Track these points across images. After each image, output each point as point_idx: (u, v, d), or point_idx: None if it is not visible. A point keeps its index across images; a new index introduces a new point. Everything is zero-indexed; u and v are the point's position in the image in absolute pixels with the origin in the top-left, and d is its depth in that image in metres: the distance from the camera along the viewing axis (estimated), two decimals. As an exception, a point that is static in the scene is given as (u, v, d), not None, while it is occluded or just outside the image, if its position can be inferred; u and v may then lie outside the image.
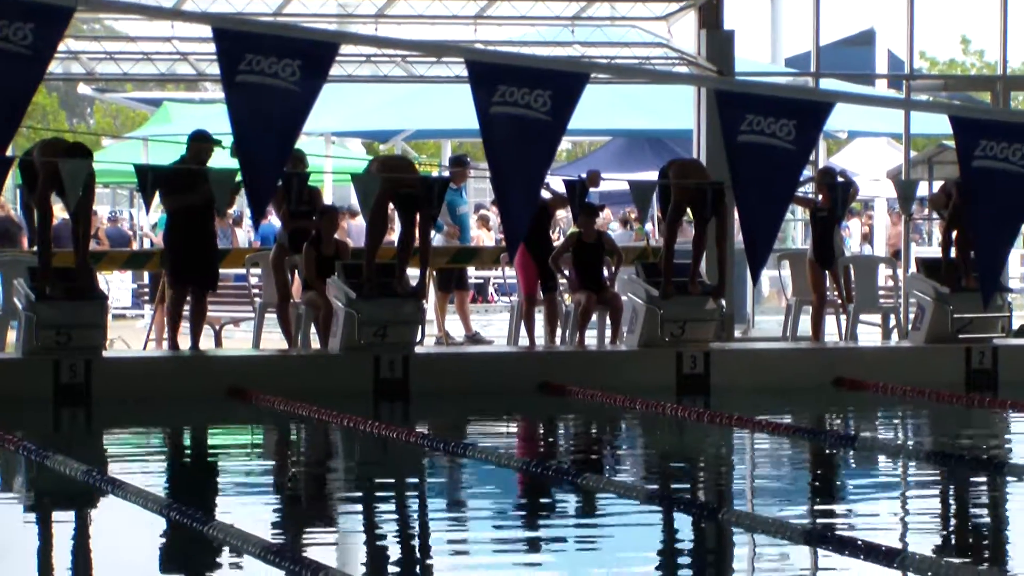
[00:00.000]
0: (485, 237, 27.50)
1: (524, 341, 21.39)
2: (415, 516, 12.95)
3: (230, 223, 28.14)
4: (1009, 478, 13.94)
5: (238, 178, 17.86)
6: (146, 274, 25.76)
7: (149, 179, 19.48)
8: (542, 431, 17.66)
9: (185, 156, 19.53)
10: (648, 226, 25.87)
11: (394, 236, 20.54)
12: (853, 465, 15.01)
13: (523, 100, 7.69)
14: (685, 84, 24.62)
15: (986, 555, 11.16)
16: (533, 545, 11.61)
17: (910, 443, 16.73)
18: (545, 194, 20.61)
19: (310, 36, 8.36)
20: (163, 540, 11.34)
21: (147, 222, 31.55)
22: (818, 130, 8.16)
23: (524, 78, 7.72)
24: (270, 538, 11.21)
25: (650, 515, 12.50)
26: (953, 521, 12.56)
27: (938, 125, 27.82)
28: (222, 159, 19.08)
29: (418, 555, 11.39)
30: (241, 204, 24.20)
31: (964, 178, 8.24)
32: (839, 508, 13.06)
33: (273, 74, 7.55)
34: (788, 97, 7.99)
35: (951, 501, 13.33)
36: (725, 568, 11.06)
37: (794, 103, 7.92)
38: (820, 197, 21.94)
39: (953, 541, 11.62)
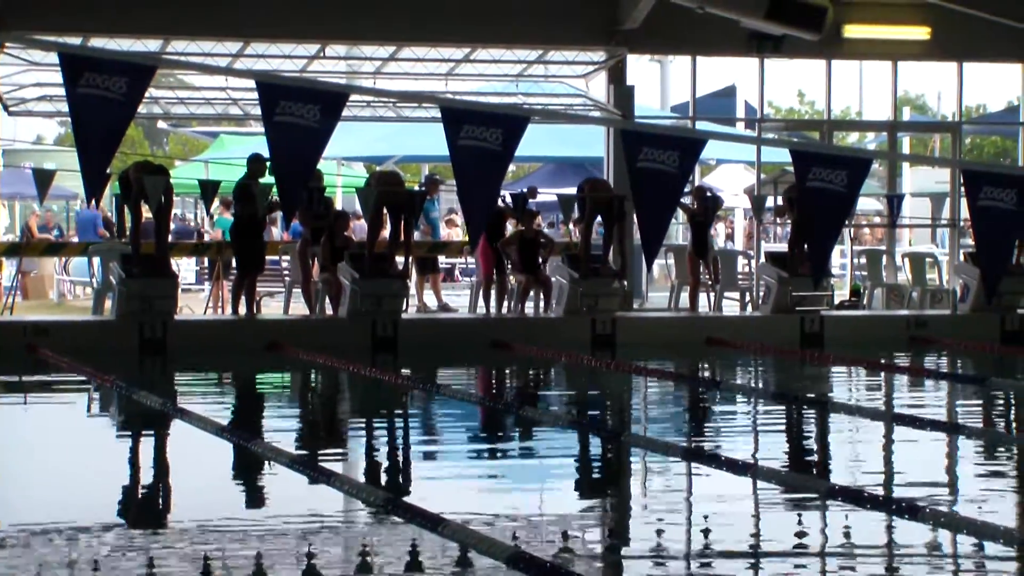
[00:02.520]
0: (453, 235, 27.42)
1: (481, 310, 21.38)
2: (400, 435, 12.96)
3: (267, 224, 28.03)
4: (832, 413, 13.99)
5: (274, 191, 18.07)
6: (206, 259, 25.65)
7: (209, 191, 19.55)
8: (494, 376, 17.64)
9: (247, 173, 19.52)
10: (571, 227, 25.88)
11: (386, 233, 20.46)
12: (720, 402, 15.02)
13: (481, 135, 7.69)
14: (598, 124, 24.57)
15: (816, 469, 11.20)
16: (489, 455, 11.62)
17: (760, 386, 16.75)
18: (501, 204, 20.63)
19: (327, 88, 8.31)
20: (218, 453, 11.31)
21: (207, 221, 31.38)
22: (695, 159, 8.16)
23: (482, 119, 7.72)
24: (295, 451, 11.21)
25: (570, 437, 12.51)
26: (792, 444, 12.58)
27: (781, 155, 27.87)
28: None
29: (401, 464, 11.40)
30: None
31: (800, 195, 8.28)
32: (709, 433, 13.07)
33: (300, 116, 7.54)
34: (673, 135, 8.00)
35: (791, 429, 13.35)
36: (624, 477, 11.08)
37: (677, 139, 7.93)
38: (696, 206, 22.00)
39: (793, 458, 11.64)
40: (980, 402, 14.84)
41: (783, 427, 13.54)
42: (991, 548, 8.14)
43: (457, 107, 7.75)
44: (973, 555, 8.20)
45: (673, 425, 13.51)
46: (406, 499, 8.39)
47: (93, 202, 25.31)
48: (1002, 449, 11.96)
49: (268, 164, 18.86)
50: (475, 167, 7.76)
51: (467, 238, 22.56)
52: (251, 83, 9.42)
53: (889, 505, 9.18)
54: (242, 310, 19.64)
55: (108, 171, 11.52)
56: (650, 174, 7.82)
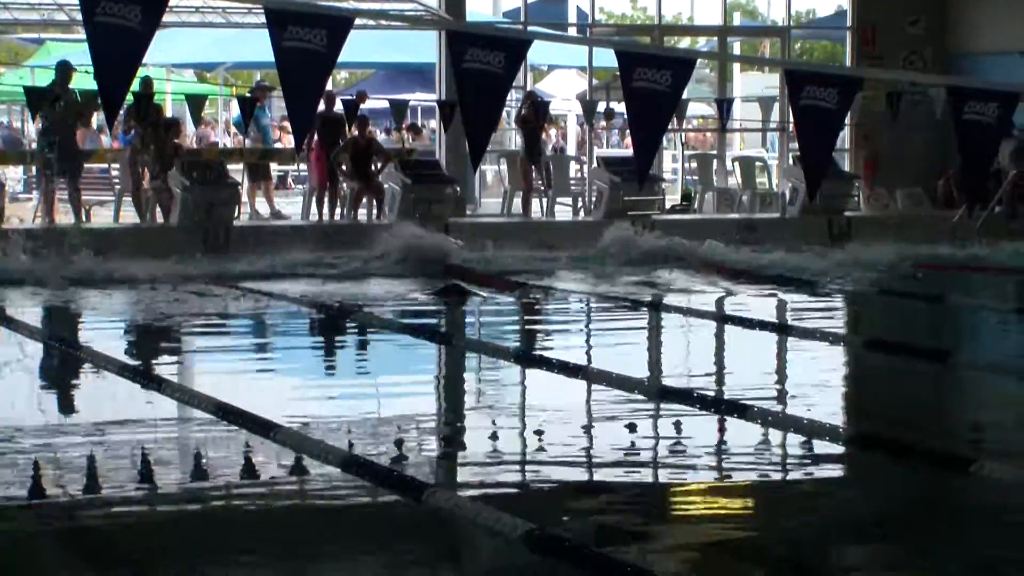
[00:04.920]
0: (286, 142, 27.10)
1: (314, 217, 21.24)
2: (231, 342, 12.87)
3: (95, 131, 27.47)
4: (662, 312, 14.14)
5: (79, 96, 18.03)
6: (33, 168, 25.16)
7: (34, 97, 19.09)
8: (323, 280, 17.35)
9: (55, 80, 19.14)
10: (403, 132, 25.71)
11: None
12: (553, 304, 15.08)
13: (306, 36, 7.60)
14: (426, 28, 24.34)
15: (635, 372, 11.32)
16: (322, 360, 11.59)
17: (591, 288, 16.78)
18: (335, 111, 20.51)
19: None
20: (45, 360, 11.13)
21: (33, 130, 30.77)
22: (521, 61, 8.10)
23: (307, 20, 7.63)
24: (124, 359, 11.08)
25: (402, 338, 12.48)
26: (621, 347, 12.68)
27: (613, 61, 27.87)
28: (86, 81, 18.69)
29: (232, 372, 11.29)
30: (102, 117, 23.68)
31: (626, 97, 8.28)
32: (541, 336, 13.13)
33: (121, 16, 7.37)
34: (497, 35, 7.95)
35: (620, 330, 13.46)
36: (458, 377, 11.12)
37: (502, 40, 7.89)
38: (527, 112, 21.98)
39: (619, 361, 11.72)
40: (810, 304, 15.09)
41: (613, 329, 13.63)
42: (818, 445, 8.30)
43: (281, 8, 7.63)
44: (802, 452, 8.36)
45: (505, 330, 13.55)
46: (238, 406, 8.31)
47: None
48: (827, 349, 12.14)
49: (75, 71, 18.73)
50: (300, 69, 7.66)
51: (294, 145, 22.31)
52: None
53: (718, 405, 9.31)
54: (70, 217, 19.30)
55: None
56: (475, 75, 7.76)
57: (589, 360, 11.55)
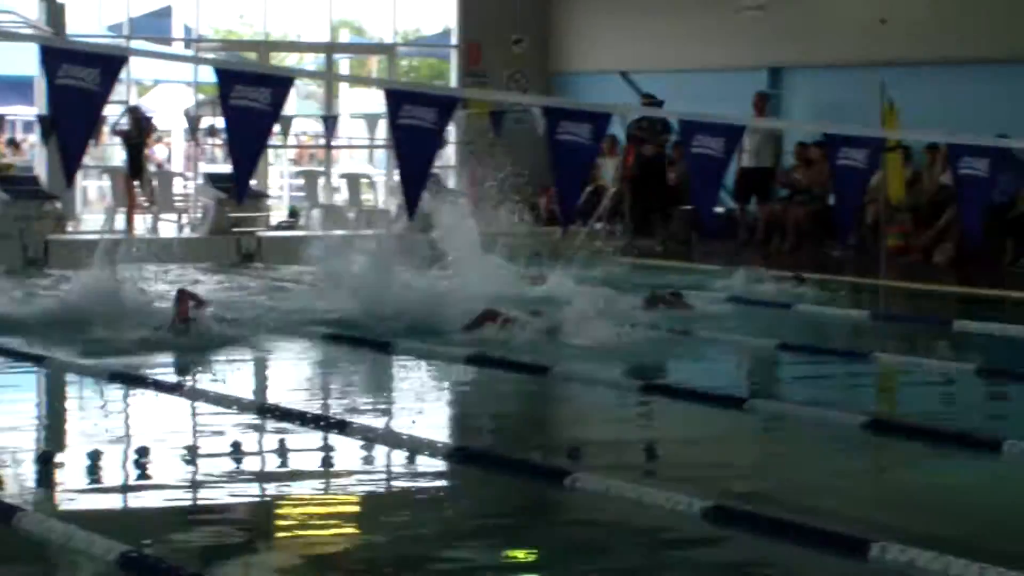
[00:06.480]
0: None
1: None
2: None
3: None
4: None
5: None
6: None
7: None
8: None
9: None
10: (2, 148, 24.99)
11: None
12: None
13: None
14: (21, 41, 23.71)
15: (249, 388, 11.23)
16: None
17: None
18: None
19: None
20: None
21: None
22: (115, 76, 7.90)
23: None
24: None
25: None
26: (224, 366, 12.51)
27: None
28: None
29: None
30: None
31: (225, 114, 8.17)
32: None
33: None
34: (93, 52, 7.78)
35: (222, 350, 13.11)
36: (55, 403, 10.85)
37: (97, 57, 7.71)
38: (130, 127, 21.68)
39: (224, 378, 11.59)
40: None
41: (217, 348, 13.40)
42: (420, 460, 8.39)
43: None
44: (404, 466, 8.44)
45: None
46: None
47: None
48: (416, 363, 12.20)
49: None
50: None
51: None
52: None
53: (319, 422, 9.33)
54: None
55: None
56: (70, 91, 7.57)
57: (195, 380, 11.41)
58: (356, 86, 37.39)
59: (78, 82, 7.53)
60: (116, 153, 27.09)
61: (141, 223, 22.37)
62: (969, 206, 9.86)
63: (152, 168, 25.53)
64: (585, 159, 9.03)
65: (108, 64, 7.69)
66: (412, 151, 8.50)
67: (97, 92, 7.60)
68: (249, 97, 7.91)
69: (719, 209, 21.80)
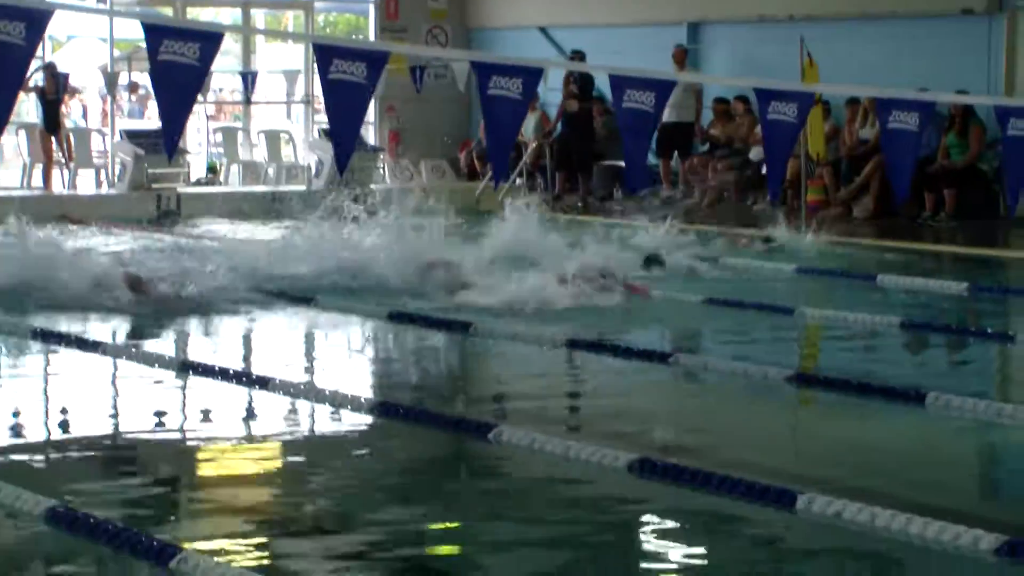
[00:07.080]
0: None
1: None
2: None
3: None
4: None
5: None
6: None
7: None
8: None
9: None
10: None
11: None
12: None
13: None
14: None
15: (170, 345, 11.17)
16: None
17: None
18: None
19: None
20: None
21: None
22: (41, 31, 7.82)
23: None
24: None
25: None
26: (141, 322, 12.42)
27: (135, 31, 27.39)
28: None
29: None
30: None
31: (152, 71, 8.12)
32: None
33: None
34: (19, 6, 7.67)
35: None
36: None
37: (19, 10, 7.60)
38: (46, 83, 21.47)
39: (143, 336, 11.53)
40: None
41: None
42: (344, 414, 8.42)
43: None
44: (325, 418, 8.48)
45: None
46: None
47: None
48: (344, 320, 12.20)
49: None
50: None
51: None
52: None
53: (242, 378, 9.33)
54: None
55: None
56: (-3, 45, 7.49)
57: (113, 338, 11.34)
58: (273, 40, 37.17)
59: (5, 37, 7.46)
60: (30, 109, 26.84)
61: (58, 179, 22.17)
62: (898, 160, 9.95)
63: (69, 124, 25.29)
64: (517, 114, 9.05)
65: (33, 19, 7.61)
66: (343, 106, 8.48)
67: (22, 47, 7.52)
68: (177, 52, 7.86)
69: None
